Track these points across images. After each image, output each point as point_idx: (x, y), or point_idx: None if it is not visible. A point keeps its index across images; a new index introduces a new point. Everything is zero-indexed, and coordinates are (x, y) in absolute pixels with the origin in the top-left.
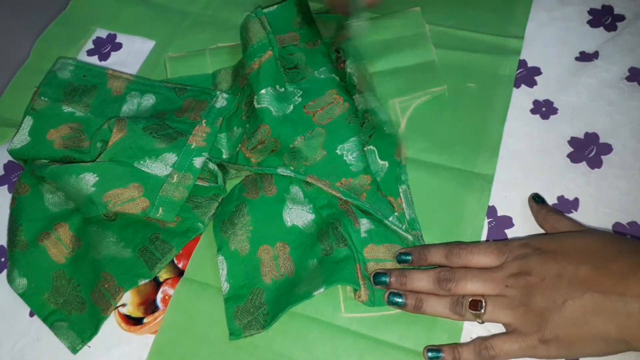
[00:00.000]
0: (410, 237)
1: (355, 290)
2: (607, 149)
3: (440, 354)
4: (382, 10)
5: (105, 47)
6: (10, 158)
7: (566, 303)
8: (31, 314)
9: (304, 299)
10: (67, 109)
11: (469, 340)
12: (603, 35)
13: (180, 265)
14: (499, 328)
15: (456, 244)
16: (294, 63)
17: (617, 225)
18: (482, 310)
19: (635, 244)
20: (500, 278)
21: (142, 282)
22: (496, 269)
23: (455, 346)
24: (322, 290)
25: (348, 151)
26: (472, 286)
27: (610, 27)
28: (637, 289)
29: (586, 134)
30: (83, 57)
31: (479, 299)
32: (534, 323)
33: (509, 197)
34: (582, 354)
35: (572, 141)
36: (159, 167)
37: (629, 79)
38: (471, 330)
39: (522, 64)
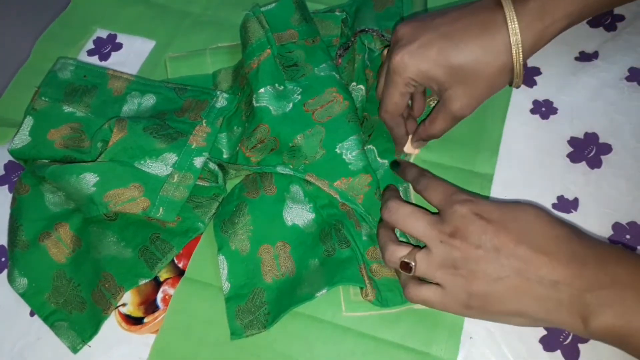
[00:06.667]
0: None
1: (361, 289)
2: (607, 149)
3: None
4: None
5: (106, 47)
6: (11, 158)
7: (499, 280)
8: (31, 314)
9: (306, 300)
10: (67, 109)
11: (469, 338)
12: (603, 35)
13: (180, 265)
14: (498, 327)
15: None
16: (294, 60)
17: (616, 225)
18: (413, 272)
19: (572, 230)
20: (437, 233)
21: (143, 281)
22: (439, 219)
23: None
24: (324, 291)
25: (347, 150)
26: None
27: (610, 27)
28: (571, 278)
29: (586, 134)
30: (83, 57)
31: (408, 261)
32: (461, 290)
33: (509, 196)
34: (502, 322)
35: (572, 141)
36: (159, 167)
37: (628, 79)
38: (471, 330)
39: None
